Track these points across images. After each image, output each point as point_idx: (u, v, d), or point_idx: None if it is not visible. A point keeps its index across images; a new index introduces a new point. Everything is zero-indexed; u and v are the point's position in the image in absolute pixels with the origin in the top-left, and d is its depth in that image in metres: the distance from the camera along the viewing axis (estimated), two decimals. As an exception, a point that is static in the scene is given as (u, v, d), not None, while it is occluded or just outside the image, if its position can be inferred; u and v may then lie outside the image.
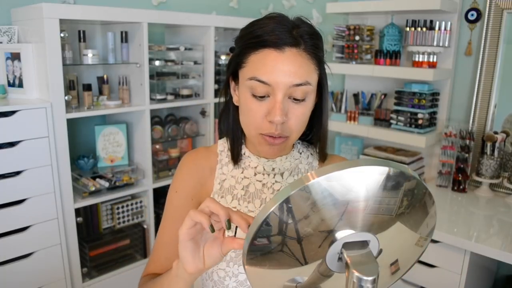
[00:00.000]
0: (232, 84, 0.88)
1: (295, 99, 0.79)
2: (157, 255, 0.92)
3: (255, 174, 0.91)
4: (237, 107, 0.89)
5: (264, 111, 0.79)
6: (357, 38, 2.18)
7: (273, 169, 0.91)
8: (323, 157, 0.95)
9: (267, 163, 0.91)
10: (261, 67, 0.77)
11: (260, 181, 0.91)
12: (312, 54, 0.80)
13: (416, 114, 2.04)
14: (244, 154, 0.93)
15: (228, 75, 0.88)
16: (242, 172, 0.92)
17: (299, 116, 0.81)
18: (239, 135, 0.92)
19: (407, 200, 0.57)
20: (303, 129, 0.84)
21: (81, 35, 1.90)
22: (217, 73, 2.30)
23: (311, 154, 0.97)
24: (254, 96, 0.79)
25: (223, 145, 0.96)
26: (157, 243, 0.93)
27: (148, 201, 2.12)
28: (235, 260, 0.87)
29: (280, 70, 0.76)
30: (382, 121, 2.19)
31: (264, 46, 0.78)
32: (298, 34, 0.78)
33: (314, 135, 0.93)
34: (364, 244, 0.58)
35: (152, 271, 0.93)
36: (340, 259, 0.58)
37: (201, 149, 0.98)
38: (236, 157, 0.92)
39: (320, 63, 0.82)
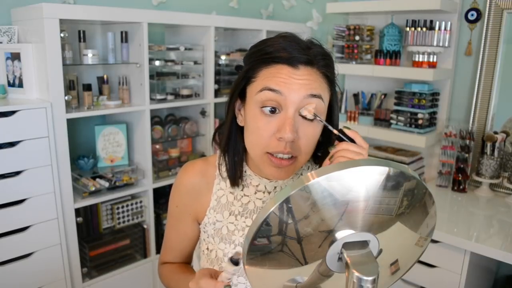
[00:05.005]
0: (238, 103, 0.84)
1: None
2: (166, 253, 1.04)
3: (255, 193, 0.90)
4: (240, 128, 0.85)
5: (273, 128, 0.75)
6: (357, 38, 2.18)
7: (275, 188, 0.89)
8: None
9: (269, 183, 0.89)
10: (274, 78, 0.75)
11: (261, 199, 0.89)
12: (325, 74, 0.78)
13: (416, 114, 2.04)
14: (246, 172, 0.90)
15: (235, 92, 0.83)
16: (242, 190, 0.90)
17: (310, 136, 0.77)
18: (240, 158, 0.88)
19: (407, 200, 0.57)
20: (312, 151, 0.80)
21: (81, 35, 1.90)
22: (217, 73, 2.30)
23: (311, 164, 0.95)
24: (263, 112, 0.75)
25: (221, 158, 0.93)
26: (165, 243, 1.04)
27: (148, 201, 2.12)
28: (241, 272, 0.88)
29: (294, 83, 0.74)
30: (382, 121, 2.19)
31: (277, 62, 0.76)
32: (312, 54, 0.76)
33: (324, 157, 0.87)
34: (364, 244, 0.58)
35: (167, 261, 1.05)
36: (340, 259, 0.58)
37: (199, 162, 0.96)
38: (236, 181, 0.89)
39: (331, 84, 0.81)
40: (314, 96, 0.75)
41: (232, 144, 0.87)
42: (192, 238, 1.00)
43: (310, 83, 0.75)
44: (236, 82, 0.83)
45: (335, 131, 0.74)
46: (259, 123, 0.76)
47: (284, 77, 0.74)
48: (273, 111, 0.75)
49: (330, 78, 0.79)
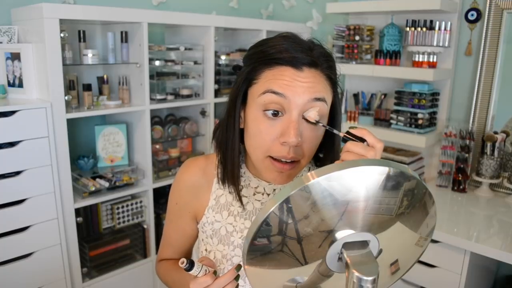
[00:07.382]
0: (238, 105, 0.81)
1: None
2: (164, 249, 1.04)
3: (254, 194, 0.88)
4: (240, 130, 0.82)
5: (276, 132, 0.73)
6: (357, 38, 2.18)
7: (274, 190, 0.88)
8: None
9: (268, 186, 0.88)
10: (277, 80, 0.72)
11: (259, 200, 0.88)
12: (328, 76, 0.76)
13: (416, 114, 2.04)
14: (244, 174, 0.89)
15: (238, 96, 0.79)
16: (241, 190, 0.88)
17: (313, 139, 0.75)
18: (238, 160, 0.84)
19: (407, 200, 0.57)
20: (313, 153, 0.79)
21: (81, 35, 1.90)
22: (217, 73, 2.30)
23: (311, 165, 0.94)
24: (266, 115, 0.73)
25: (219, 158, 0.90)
26: (164, 239, 1.04)
27: (148, 201, 2.12)
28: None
29: (298, 85, 0.72)
30: (382, 121, 2.19)
31: (280, 63, 0.73)
32: (315, 56, 0.75)
33: (326, 159, 0.86)
34: (364, 244, 0.58)
35: (165, 257, 1.04)
36: (340, 259, 0.58)
37: (201, 159, 0.95)
38: (225, 181, 0.86)
39: (334, 85, 0.79)
40: (318, 99, 0.73)
41: (230, 146, 0.83)
42: (191, 235, 0.99)
43: (314, 85, 0.73)
44: (237, 84, 0.80)
45: (342, 134, 0.70)
46: (261, 126, 0.74)
47: (288, 79, 0.72)
48: (275, 114, 0.73)
49: (333, 79, 0.78)
